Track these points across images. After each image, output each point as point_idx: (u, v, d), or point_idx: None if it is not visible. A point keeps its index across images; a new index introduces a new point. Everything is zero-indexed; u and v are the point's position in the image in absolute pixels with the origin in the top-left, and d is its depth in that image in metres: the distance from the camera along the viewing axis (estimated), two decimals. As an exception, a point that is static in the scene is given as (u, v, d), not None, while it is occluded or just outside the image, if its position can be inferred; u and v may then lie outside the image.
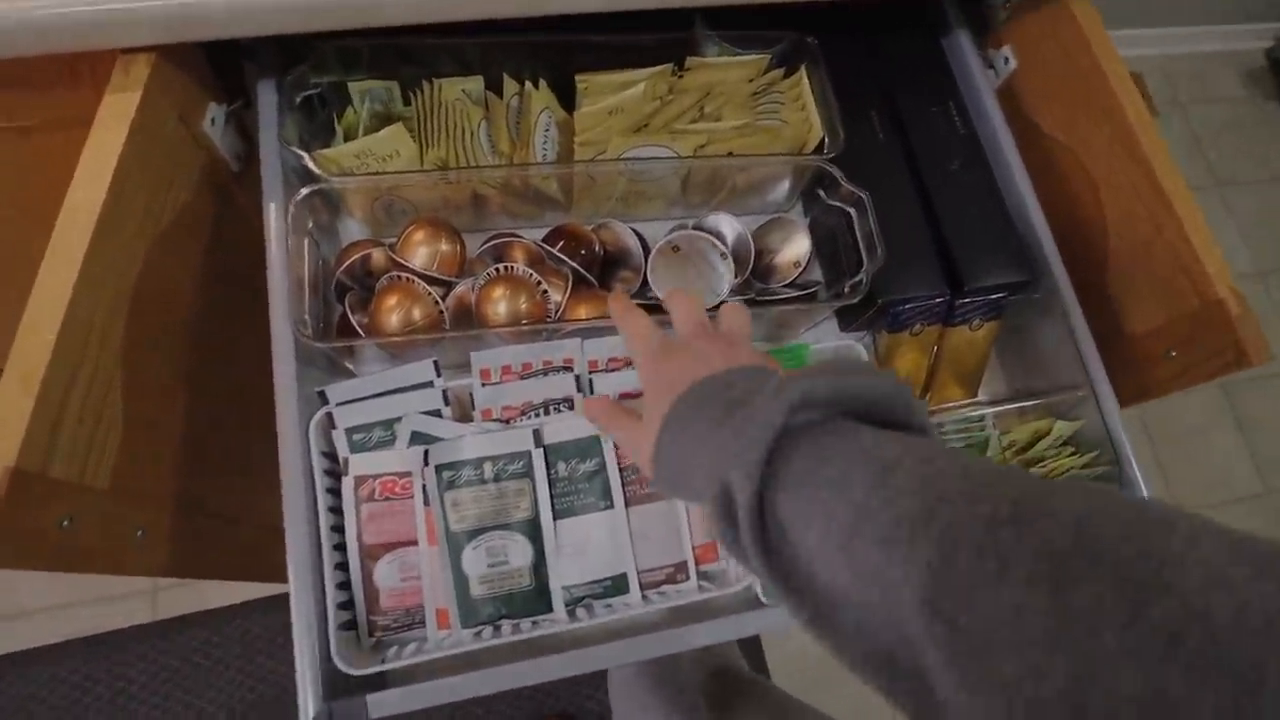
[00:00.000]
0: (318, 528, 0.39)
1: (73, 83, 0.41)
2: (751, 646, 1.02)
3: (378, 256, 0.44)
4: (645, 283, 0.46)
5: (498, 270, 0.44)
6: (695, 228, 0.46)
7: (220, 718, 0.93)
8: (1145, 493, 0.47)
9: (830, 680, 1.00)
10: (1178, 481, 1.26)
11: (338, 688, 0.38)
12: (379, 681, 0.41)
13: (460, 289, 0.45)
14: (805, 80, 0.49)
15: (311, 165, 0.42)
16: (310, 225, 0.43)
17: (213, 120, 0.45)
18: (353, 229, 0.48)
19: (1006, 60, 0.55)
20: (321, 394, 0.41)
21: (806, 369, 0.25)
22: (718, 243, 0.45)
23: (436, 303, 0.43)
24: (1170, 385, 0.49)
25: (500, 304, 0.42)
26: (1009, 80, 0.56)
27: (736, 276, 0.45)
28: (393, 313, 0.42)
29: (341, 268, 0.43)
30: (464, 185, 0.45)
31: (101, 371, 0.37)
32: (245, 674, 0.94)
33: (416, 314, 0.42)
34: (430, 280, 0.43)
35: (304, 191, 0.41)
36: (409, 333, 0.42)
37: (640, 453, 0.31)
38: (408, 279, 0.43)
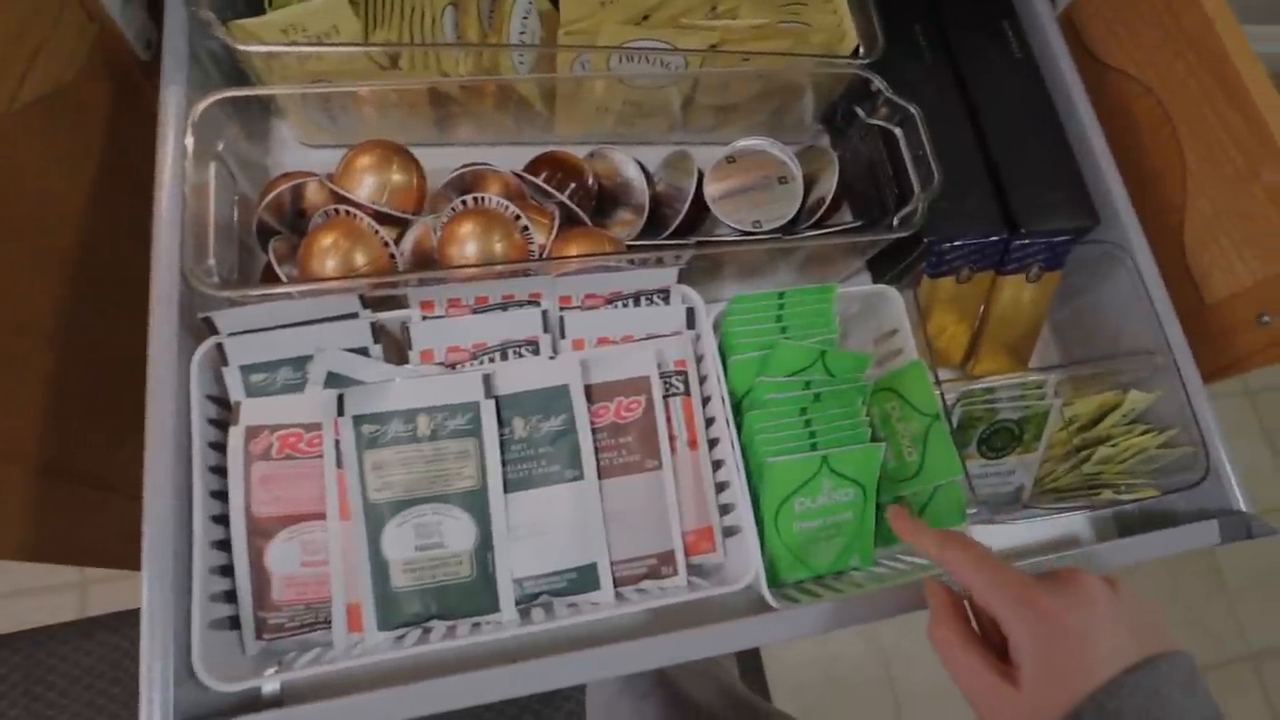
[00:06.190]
0: (190, 492, 0.30)
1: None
2: (750, 661, 0.92)
3: (313, 189, 0.35)
4: (649, 224, 0.38)
5: (465, 203, 0.35)
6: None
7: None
8: (1233, 484, 0.38)
9: (833, 701, 0.93)
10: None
11: (205, 706, 0.29)
12: (263, 700, 0.32)
13: (419, 228, 0.36)
14: (837, -20, 0.41)
15: (221, 34, 0.33)
16: (221, 147, 0.34)
17: (106, -17, 0.37)
18: (286, 162, 0.39)
19: (1068, -15, 0.48)
20: (208, 320, 0.31)
21: None
22: (788, 160, 0.38)
23: (386, 244, 0.34)
24: (1260, 357, 0.41)
25: (469, 243, 0.34)
26: (1070, 7, 0.48)
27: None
28: (328, 255, 0.33)
29: (264, 203, 0.34)
30: (418, 77, 0.37)
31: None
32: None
33: (359, 258, 0.33)
34: (380, 217, 0.35)
35: (212, 98, 0.32)
36: (348, 278, 0.33)
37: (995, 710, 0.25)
38: (349, 214, 0.34)
